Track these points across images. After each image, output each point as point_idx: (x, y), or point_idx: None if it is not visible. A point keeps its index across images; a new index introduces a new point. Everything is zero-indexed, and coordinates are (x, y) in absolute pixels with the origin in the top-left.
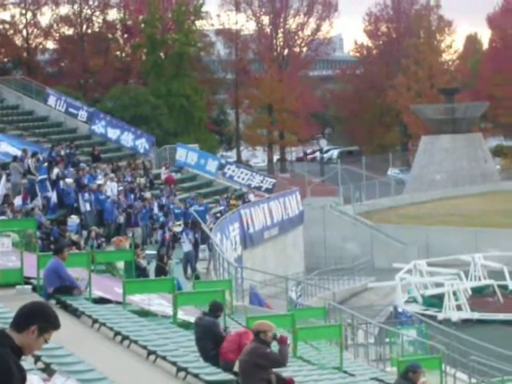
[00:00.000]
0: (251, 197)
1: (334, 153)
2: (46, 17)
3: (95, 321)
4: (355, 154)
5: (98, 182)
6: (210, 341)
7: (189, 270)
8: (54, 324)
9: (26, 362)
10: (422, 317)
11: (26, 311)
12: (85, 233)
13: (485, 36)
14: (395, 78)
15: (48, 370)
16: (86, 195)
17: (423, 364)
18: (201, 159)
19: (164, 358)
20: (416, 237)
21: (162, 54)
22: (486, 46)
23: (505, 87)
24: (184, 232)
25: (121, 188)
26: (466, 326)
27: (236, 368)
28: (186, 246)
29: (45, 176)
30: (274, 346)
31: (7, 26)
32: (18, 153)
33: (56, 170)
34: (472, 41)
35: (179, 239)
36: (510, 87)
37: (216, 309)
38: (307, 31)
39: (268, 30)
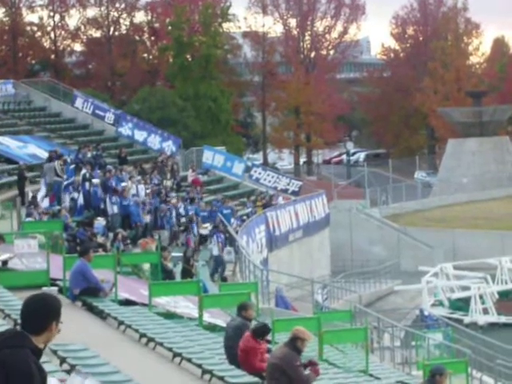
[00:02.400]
0: (280, 199)
1: (361, 155)
2: (73, 19)
3: (121, 323)
4: (382, 156)
5: (124, 184)
6: (237, 342)
7: (216, 274)
8: (61, 308)
9: (51, 364)
10: (449, 320)
11: (40, 314)
12: (111, 235)
13: None
14: (422, 81)
15: (74, 372)
16: (114, 198)
17: (449, 368)
18: (227, 161)
19: (189, 360)
20: (442, 240)
21: (188, 57)
22: None
23: None
24: (215, 235)
25: (148, 190)
26: (492, 329)
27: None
28: (216, 250)
29: (72, 179)
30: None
31: (35, 29)
32: (45, 154)
33: (83, 172)
34: (499, 44)
35: (206, 241)
36: None
37: (239, 308)
38: (334, 34)
39: (295, 32)
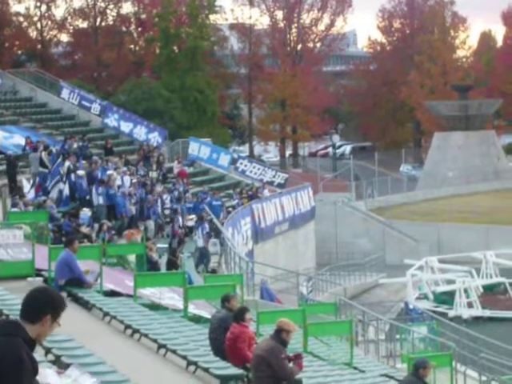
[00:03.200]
0: (266, 192)
1: (347, 148)
2: (60, 9)
3: (106, 314)
4: (368, 149)
5: (109, 172)
6: (222, 334)
7: (201, 266)
8: (63, 306)
9: (37, 354)
10: (433, 314)
11: (37, 303)
12: (96, 226)
13: (499, 33)
14: (408, 75)
15: (58, 363)
16: (100, 189)
17: (434, 361)
18: (213, 153)
19: (174, 351)
20: (428, 233)
21: (175, 48)
22: (500, 43)
23: None
24: (200, 227)
25: (134, 181)
26: (476, 323)
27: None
28: (200, 241)
29: (58, 169)
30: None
31: (22, 19)
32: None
33: (68, 163)
34: (486, 38)
35: (192, 233)
36: None
37: (222, 299)
38: (321, 26)
39: (282, 24)
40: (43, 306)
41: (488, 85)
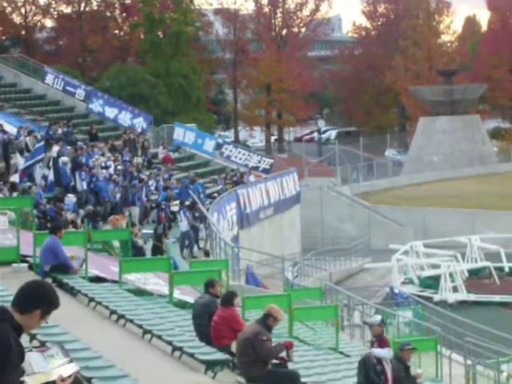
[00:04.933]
0: (251, 178)
1: (332, 133)
2: None
3: (91, 299)
4: (353, 134)
5: (95, 156)
6: (206, 319)
7: (185, 250)
8: (56, 305)
9: (21, 340)
10: (418, 298)
11: (30, 295)
12: (81, 211)
13: (484, 18)
14: (393, 59)
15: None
16: (83, 174)
17: (419, 345)
18: (198, 139)
19: (159, 337)
20: (413, 218)
21: (160, 34)
22: (484, 27)
23: (503, 69)
24: (182, 211)
25: (119, 167)
26: (462, 307)
27: (233, 348)
28: (184, 226)
29: (42, 155)
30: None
31: (5, 4)
32: (15, 130)
33: (57, 148)
34: (471, 23)
35: (176, 219)
36: (507, 69)
37: (206, 284)
38: (306, 11)
39: (267, 9)
40: (37, 299)
41: (472, 70)
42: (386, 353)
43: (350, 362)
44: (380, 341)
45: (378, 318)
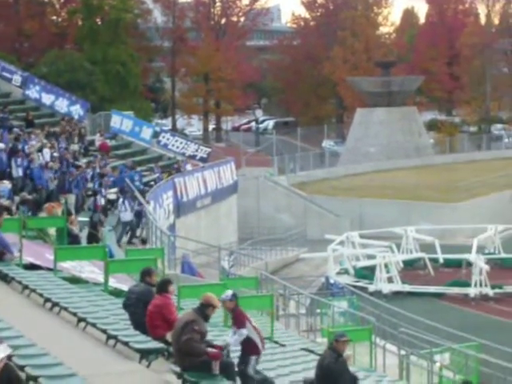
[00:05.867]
0: (188, 167)
1: (270, 123)
2: None
3: (25, 287)
4: (291, 124)
5: (32, 142)
6: (141, 307)
7: (124, 238)
8: None
9: None
10: (354, 288)
11: None
12: (16, 198)
13: (422, 10)
14: (332, 50)
15: None
16: (19, 160)
17: (353, 335)
18: (135, 126)
19: (94, 325)
20: (349, 209)
21: (98, 20)
22: (422, 20)
23: (440, 62)
24: (125, 201)
25: (55, 154)
26: (396, 298)
27: (168, 337)
28: (127, 215)
29: None
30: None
31: None
32: None
33: None
34: (409, 15)
35: (115, 207)
36: (444, 62)
37: (143, 273)
38: (245, 1)
39: None
40: None
41: (410, 62)
42: (235, 340)
43: (284, 352)
44: (235, 317)
45: (229, 292)
